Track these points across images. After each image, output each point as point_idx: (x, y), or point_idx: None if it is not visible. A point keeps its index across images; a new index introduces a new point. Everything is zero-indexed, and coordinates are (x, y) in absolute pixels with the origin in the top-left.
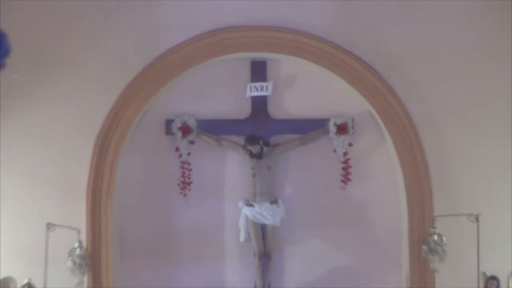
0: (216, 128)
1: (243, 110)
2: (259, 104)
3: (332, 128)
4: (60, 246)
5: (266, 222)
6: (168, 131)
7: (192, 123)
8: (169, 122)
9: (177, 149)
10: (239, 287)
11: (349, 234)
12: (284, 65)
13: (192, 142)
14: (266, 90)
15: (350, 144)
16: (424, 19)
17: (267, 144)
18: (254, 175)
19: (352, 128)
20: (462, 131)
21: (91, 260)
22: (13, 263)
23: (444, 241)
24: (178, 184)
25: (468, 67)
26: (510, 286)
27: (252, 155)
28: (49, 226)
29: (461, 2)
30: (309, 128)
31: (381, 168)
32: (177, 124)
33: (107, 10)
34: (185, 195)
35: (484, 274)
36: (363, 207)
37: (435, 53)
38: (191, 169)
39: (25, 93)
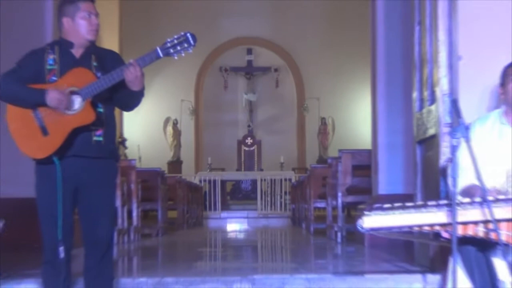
0: None
1: None
2: None
3: (273, 70)
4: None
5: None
6: None
7: None
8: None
9: None
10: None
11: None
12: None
13: None
14: None
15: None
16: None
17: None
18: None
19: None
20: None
21: (195, 110)
22: (168, 111)
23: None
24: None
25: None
26: (334, 123)
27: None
28: (182, 100)
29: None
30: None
31: (286, 76)
32: None
33: None
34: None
35: (321, 117)
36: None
37: (308, 40)
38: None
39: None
